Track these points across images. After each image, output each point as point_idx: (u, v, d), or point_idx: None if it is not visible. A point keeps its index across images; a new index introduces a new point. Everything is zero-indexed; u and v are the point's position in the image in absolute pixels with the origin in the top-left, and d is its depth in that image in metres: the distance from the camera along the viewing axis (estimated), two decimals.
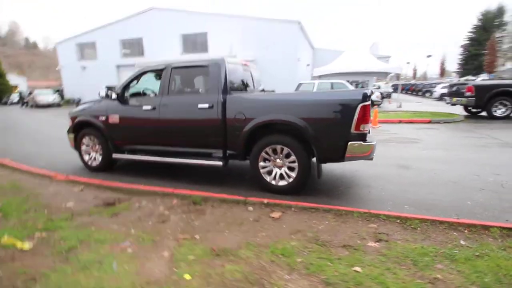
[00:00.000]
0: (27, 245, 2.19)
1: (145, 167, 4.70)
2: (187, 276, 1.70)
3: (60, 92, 26.41)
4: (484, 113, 9.68)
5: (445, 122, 9.02)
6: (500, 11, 51.39)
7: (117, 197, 3.32)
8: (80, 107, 4.66)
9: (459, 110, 11.21)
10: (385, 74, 19.84)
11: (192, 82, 3.92)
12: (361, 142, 2.99)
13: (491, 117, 9.13)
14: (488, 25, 51.37)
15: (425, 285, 1.62)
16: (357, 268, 1.77)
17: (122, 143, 4.25)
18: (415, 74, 70.47)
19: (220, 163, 3.58)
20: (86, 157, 4.62)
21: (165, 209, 2.95)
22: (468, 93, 9.34)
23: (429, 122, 9.03)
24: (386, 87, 28.17)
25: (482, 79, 26.10)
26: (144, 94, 4.51)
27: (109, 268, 1.83)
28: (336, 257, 1.94)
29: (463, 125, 8.54)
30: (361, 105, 2.90)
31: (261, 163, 3.41)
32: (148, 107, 3.88)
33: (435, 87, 28.30)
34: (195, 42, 21.46)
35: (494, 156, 4.94)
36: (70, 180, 3.90)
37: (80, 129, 4.57)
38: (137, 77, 4.19)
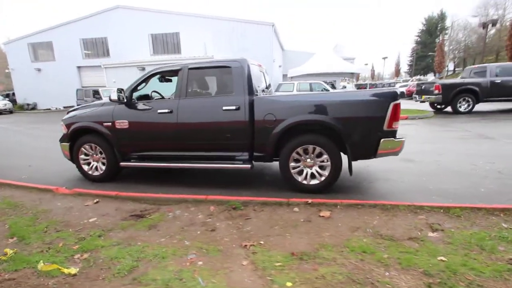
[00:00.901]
0: (73, 270, 1.92)
1: (147, 175, 4.40)
2: (289, 284, 1.62)
3: (9, 97, 23.56)
4: (449, 109, 10.75)
5: (419, 118, 9.84)
6: (442, 17, 57.63)
7: (143, 208, 3.06)
8: (76, 113, 4.20)
9: (425, 106, 12.30)
10: (351, 74, 21.09)
11: (212, 83, 3.76)
12: (393, 138, 3.14)
13: (456, 112, 10.17)
14: (432, 29, 57.26)
15: (509, 266, 1.75)
16: (442, 258, 1.85)
17: (131, 150, 3.92)
18: (373, 74, 75.91)
19: (248, 166, 3.48)
20: (86, 167, 4.18)
21: (205, 216, 2.79)
22: (436, 91, 10.30)
23: (407, 118, 9.78)
24: (350, 87, 29.94)
25: (433, 78, 28.92)
26: (151, 97, 4.22)
27: (196, 284, 1.67)
28: (413, 249, 2.00)
29: (435, 120, 9.39)
30: (393, 103, 3.04)
31: (292, 164, 3.39)
32: (164, 110, 3.64)
33: (394, 86, 30.69)
34: (166, 42, 20.66)
35: (476, 147, 5.50)
36: (78, 193, 3.50)
37: (77, 136, 4.13)
38: (147, 79, 3.90)
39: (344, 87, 28.87)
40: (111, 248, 2.20)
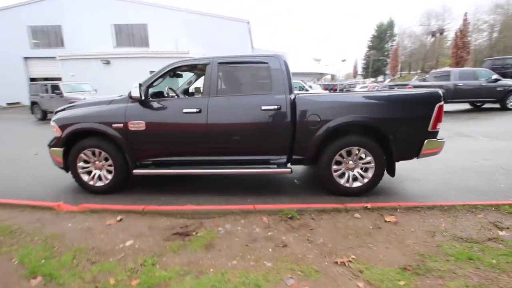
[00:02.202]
0: None
1: (151, 183, 3.89)
2: None
3: None
4: None
5: None
6: (391, 25, 63.21)
7: (182, 224, 2.63)
8: (73, 112, 3.50)
9: None
10: (321, 75, 21.87)
11: (245, 80, 3.40)
12: (435, 139, 3.17)
13: None
14: (382, 36, 62.50)
15: None
16: None
17: (147, 155, 3.39)
18: (333, 76, 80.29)
19: (288, 170, 3.24)
20: (86, 177, 3.52)
21: (263, 230, 2.49)
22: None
23: None
24: (317, 87, 31.09)
25: (389, 80, 31.45)
26: (165, 94, 3.71)
27: None
28: (507, 250, 1.99)
29: None
30: (438, 104, 3.06)
31: (334, 167, 3.24)
32: (192, 110, 3.20)
33: (355, 87, 32.62)
34: (132, 34, 19.06)
35: (464, 144, 5.95)
36: (90, 209, 2.89)
37: (74, 140, 3.45)
38: (166, 73, 3.40)
39: (310, 87, 29.82)
40: (183, 280, 1.80)
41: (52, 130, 3.58)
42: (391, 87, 13.05)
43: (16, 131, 9.98)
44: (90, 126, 3.33)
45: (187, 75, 4.62)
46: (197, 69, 3.70)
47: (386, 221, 2.57)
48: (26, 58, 18.65)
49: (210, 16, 18.29)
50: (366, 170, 3.26)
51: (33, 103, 12.37)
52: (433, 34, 28.56)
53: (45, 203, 3.01)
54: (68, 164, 3.52)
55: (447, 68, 14.85)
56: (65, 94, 11.34)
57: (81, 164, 3.49)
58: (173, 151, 3.37)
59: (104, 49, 17.65)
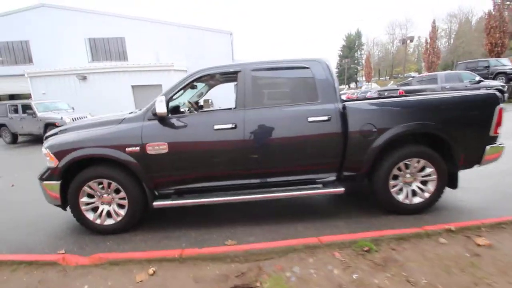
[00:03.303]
0: None
1: (167, 212, 3.28)
2: None
3: None
4: None
5: None
6: (358, 35, 66.65)
7: (236, 271, 2.06)
8: (72, 136, 2.83)
9: None
10: None
11: (285, 89, 2.93)
12: (496, 144, 2.89)
13: None
14: (351, 45, 65.65)
15: None
16: None
17: (169, 183, 2.80)
18: None
19: (340, 189, 2.79)
20: (91, 215, 2.83)
21: (343, 271, 1.99)
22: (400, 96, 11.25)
23: None
24: None
25: (365, 87, 32.53)
26: (184, 110, 3.16)
27: None
28: None
29: None
30: (498, 107, 2.79)
31: (392, 182, 2.84)
32: (225, 126, 2.68)
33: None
34: (108, 48, 18.05)
35: None
36: (108, 260, 2.22)
37: (76, 170, 2.78)
38: (188, 85, 2.86)
39: None
40: None
41: (43, 159, 2.88)
42: (380, 93, 13.26)
43: None
44: (98, 152, 2.68)
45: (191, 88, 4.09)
46: (226, 78, 3.21)
47: (478, 244, 2.18)
48: None
49: (191, 28, 17.80)
50: (425, 183, 2.90)
51: (1, 126, 11.03)
52: (403, 41, 30.19)
53: (45, 257, 2.30)
54: (68, 200, 2.83)
55: (433, 73, 15.47)
56: (39, 114, 10.20)
57: (84, 199, 2.80)
58: (201, 176, 2.80)
59: (78, 64, 16.48)
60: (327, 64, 2.85)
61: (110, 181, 2.75)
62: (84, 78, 14.81)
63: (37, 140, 11.11)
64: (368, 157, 2.74)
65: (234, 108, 2.78)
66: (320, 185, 2.88)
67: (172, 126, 2.72)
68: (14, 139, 11.02)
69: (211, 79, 3.22)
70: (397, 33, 57.45)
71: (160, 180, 2.78)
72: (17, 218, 3.35)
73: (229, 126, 2.68)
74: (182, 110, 3.32)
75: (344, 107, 2.75)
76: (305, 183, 2.89)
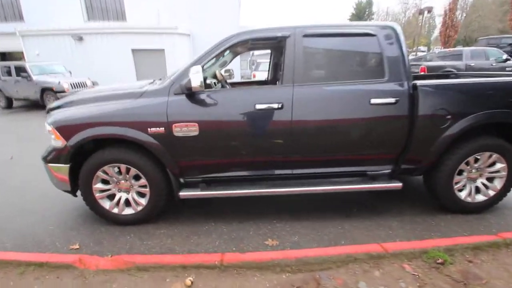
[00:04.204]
0: None
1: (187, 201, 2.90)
2: None
3: None
4: None
5: None
6: (369, 3, 62.77)
7: (289, 284, 1.72)
8: (82, 110, 2.32)
9: None
10: None
11: (344, 61, 2.38)
12: None
13: None
14: (361, 14, 62.16)
15: None
16: None
17: (197, 170, 2.38)
18: None
19: (398, 185, 2.40)
20: (107, 203, 2.45)
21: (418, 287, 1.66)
22: (422, 73, 10.56)
23: None
24: None
25: None
26: (213, 83, 2.63)
27: None
28: None
29: None
30: None
31: (456, 177, 2.44)
32: (269, 105, 2.19)
33: None
34: (105, 6, 16.58)
35: None
36: (134, 265, 1.87)
37: (88, 153, 2.33)
38: (223, 51, 2.30)
39: None
40: None
41: (43, 128, 2.41)
42: None
43: None
44: (115, 131, 2.20)
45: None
46: (268, 44, 2.64)
47: None
48: None
49: None
50: (491, 180, 2.51)
51: None
52: (420, 12, 28.18)
53: (59, 257, 1.93)
54: (79, 186, 2.42)
55: (459, 48, 14.52)
56: (34, 78, 9.47)
57: (98, 185, 2.39)
58: (236, 162, 2.37)
59: (74, 23, 15.20)
60: (398, 31, 2.28)
61: (130, 166, 2.32)
62: (81, 39, 13.69)
63: (34, 105, 10.47)
64: (436, 148, 2.30)
65: (282, 84, 2.26)
66: (381, 178, 2.47)
67: (203, 103, 2.23)
68: (9, 104, 10.37)
69: (249, 45, 2.64)
70: (410, 3, 53.99)
71: (188, 166, 2.36)
72: (21, 203, 2.96)
73: (275, 106, 2.19)
74: (208, 82, 2.79)
75: (414, 87, 2.24)
76: (353, 175, 2.49)
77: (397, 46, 2.25)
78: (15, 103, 10.79)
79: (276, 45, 2.65)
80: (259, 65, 12.87)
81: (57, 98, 9.16)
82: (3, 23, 15.81)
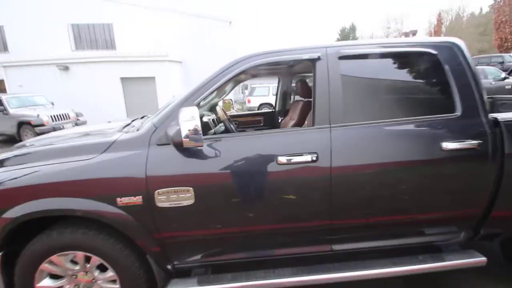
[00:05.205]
0: None
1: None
2: None
3: None
4: None
5: None
6: (353, 29, 65.92)
7: None
8: (19, 171, 1.57)
9: None
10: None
11: (396, 90, 1.73)
12: None
13: None
14: (346, 39, 65.07)
15: None
16: None
17: (193, 252, 1.62)
18: None
19: (482, 259, 1.67)
20: None
21: None
22: None
23: None
24: None
25: None
26: (212, 122, 1.95)
27: None
28: None
29: None
30: None
31: None
32: (299, 158, 1.49)
33: None
34: (94, 35, 16.32)
35: None
36: None
37: (25, 235, 1.55)
38: (229, 80, 1.63)
39: None
40: None
41: None
42: None
43: None
44: (63, 206, 1.44)
45: None
46: (289, 69, 2.00)
47: None
48: None
49: (186, 15, 16.21)
50: None
51: None
52: (406, 35, 29.25)
53: None
54: (14, 282, 1.61)
55: None
56: (11, 111, 8.69)
57: (45, 283, 1.59)
58: (249, 241, 1.62)
59: (61, 53, 14.74)
60: (463, 49, 1.68)
61: (89, 254, 1.54)
62: (66, 68, 13.12)
63: (11, 141, 9.58)
64: None
65: (312, 126, 1.58)
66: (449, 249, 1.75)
67: (202, 157, 1.51)
68: None
69: (258, 71, 2.01)
70: (392, 28, 56.77)
71: (178, 248, 1.60)
72: None
73: (306, 158, 1.49)
74: (206, 120, 2.11)
75: (495, 123, 1.60)
76: (414, 249, 1.75)
77: (466, 68, 1.64)
78: None
79: (298, 70, 2.02)
80: (254, 90, 12.48)
81: (36, 133, 8.36)
82: None
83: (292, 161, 1.48)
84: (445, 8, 47.24)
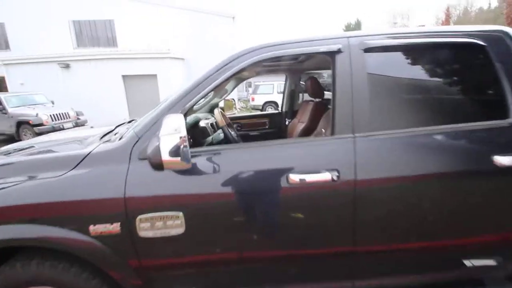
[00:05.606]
0: None
1: None
2: None
3: None
4: None
5: None
6: (358, 24, 64.94)
7: None
8: None
9: None
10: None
11: (433, 90, 1.42)
12: None
13: None
14: None
15: None
16: None
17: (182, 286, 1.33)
18: None
19: None
20: None
21: None
22: None
23: None
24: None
25: None
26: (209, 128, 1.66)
27: None
28: None
29: None
30: None
31: None
32: (316, 177, 1.19)
33: None
34: (95, 32, 16.10)
35: None
36: None
37: None
38: (228, 78, 1.33)
39: None
40: None
41: None
42: None
43: None
44: (23, 235, 1.17)
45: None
46: (304, 66, 1.69)
47: None
48: None
49: (189, 10, 15.88)
50: None
51: None
52: None
53: None
54: None
55: None
56: (9, 110, 8.51)
57: None
58: (255, 274, 1.34)
59: (62, 50, 14.54)
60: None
61: None
62: (67, 66, 12.93)
63: (10, 140, 9.42)
64: None
65: (331, 135, 1.27)
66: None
67: (195, 173, 1.22)
68: None
69: (266, 67, 1.71)
70: (399, 23, 55.80)
71: (162, 281, 1.32)
72: None
73: (325, 176, 1.19)
74: (203, 125, 1.81)
75: None
76: (452, 284, 1.45)
77: None
78: None
79: (300, 67, 1.72)
80: (258, 87, 12.15)
81: (35, 133, 8.17)
82: None
83: (307, 180, 1.18)
84: (452, 3, 46.32)
